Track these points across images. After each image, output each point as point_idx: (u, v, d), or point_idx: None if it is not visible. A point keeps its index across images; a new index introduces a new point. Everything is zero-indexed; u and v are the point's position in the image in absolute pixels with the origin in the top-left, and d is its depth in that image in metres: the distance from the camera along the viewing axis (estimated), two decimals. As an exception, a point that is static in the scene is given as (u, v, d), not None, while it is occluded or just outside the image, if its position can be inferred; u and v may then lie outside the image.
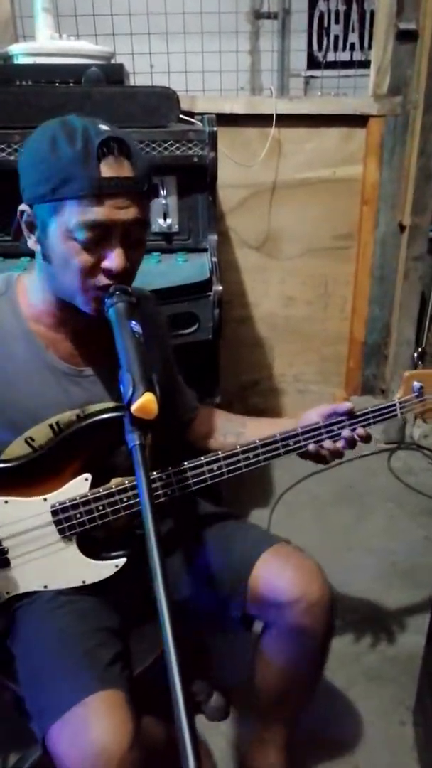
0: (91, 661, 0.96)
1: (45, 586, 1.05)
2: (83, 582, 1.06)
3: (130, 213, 0.90)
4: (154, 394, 0.79)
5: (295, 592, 1.07)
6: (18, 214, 0.96)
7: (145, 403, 0.77)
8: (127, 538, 1.10)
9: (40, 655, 0.99)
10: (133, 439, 0.76)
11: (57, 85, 1.53)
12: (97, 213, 0.88)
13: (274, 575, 1.09)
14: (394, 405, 1.14)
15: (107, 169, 0.88)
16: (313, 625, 1.09)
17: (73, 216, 0.89)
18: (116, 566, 1.06)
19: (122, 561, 1.06)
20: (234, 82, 2.83)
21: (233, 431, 1.25)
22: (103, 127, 0.90)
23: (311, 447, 1.11)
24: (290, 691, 1.19)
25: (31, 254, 1.18)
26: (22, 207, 0.95)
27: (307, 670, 1.19)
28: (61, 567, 1.05)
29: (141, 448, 0.76)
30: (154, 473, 1.07)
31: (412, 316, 2.47)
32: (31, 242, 0.97)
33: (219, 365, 1.71)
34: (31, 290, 1.02)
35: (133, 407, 0.77)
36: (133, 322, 0.88)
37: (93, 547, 1.07)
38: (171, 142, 1.50)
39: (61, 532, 1.04)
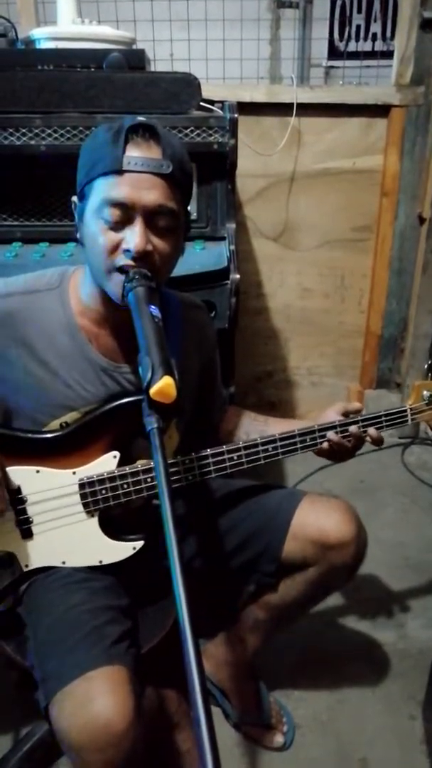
0: (100, 636, 0.98)
1: (63, 562, 1.08)
2: (100, 561, 1.08)
3: (152, 195, 0.92)
4: (172, 377, 0.78)
5: (345, 535, 1.15)
6: (72, 207, 1.02)
7: (164, 387, 0.77)
8: (144, 521, 1.12)
9: (51, 627, 1.02)
10: (151, 422, 0.76)
11: (78, 69, 1.53)
12: (120, 190, 0.92)
13: (323, 516, 1.17)
14: (405, 410, 1.19)
15: (133, 149, 0.92)
16: (353, 564, 1.18)
17: (99, 193, 0.93)
18: (134, 548, 1.08)
19: (140, 544, 1.08)
20: (254, 71, 2.80)
21: (256, 430, 1.28)
22: (140, 118, 0.95)
23: (325, 444, 1.14)
24: (297, 612, 1.30)
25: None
26: (73, 198, 1.01)
27: (324, 596, 1.31)
28: (80, 544, 1.08)
29: (159, 432, 0.76)
30: (178, 457, 1.10)
31: (430, 309, 2.44)
32: (79, 233, 1.01)
33: (234, 355, 1.71)
34: (81, 285, 1.06)
35: (152, 391, 0.77)
36: (153, 307, 0.88)
37: (112, 527, 1.09)
38: (192, 128, 1.49)
39: (85, 506, 1.06)
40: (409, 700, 1.49)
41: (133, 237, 0.92)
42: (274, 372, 2.60)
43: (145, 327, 0.85)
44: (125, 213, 0.93)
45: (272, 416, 1.32)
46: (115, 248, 0.94)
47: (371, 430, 1.15)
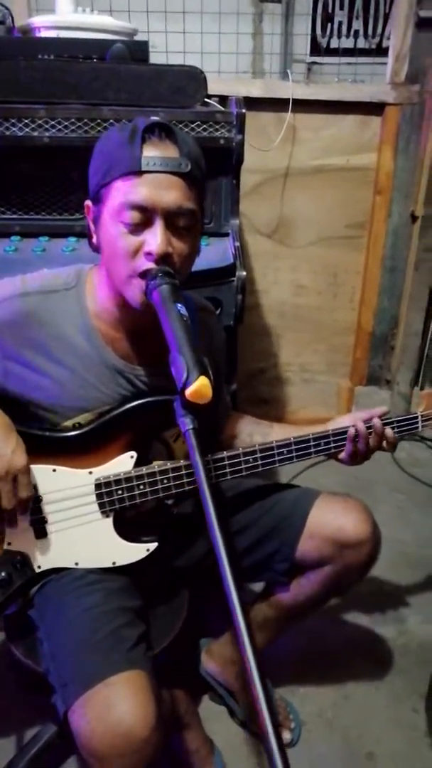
0: (117, 640, 0.97)
1: (76, 563, 1.06)
2: (113, 563, 1.07)
3: (171, 196, 0.92)
4: (208, 378, 0.77)
5: (362, 533, 1.15)
6: (86, 212, 1.02)
7: (200, 387, 0.76)
8: (157, 522, 1.10)
9: (67, 630, 1.00)
10: (186, 423, 0.76)
11: (81, 60, 1.49)
12: (139, 191, 0.91)
13: (340, 515, 1.17)
14: (416, 417, 1.21)
15: (151, 149, 0.91)
16: (368, 563, 1.19)
17: (118, 196, 0.92)
18: (147, 550, 1.07)
19: (154, 545, 1.08)
20: (235, 65, 2.78)
21: (260, 432, 1.28)
22: (154, 117, 0.95)
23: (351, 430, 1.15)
24: (307, 611, 1.29)
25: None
26: (87, 202, 1.00)
27: (335, 596, 1.31)
28: (94, 545, 1.06)
29: (194, 432, 0.75)
30: None
31: (421, 306, 2.47)
32: (94, 238, 1.00)
33: (237, 352, 1.70)
34: (97, 286, 1.04)
35: (188, 391, 0.76)
36: (179, 305, 0.87)
37: (125, 528, 1.08)
38: (198, 123, 1.47)
39: (101, 506, 1.05)
40: (413, 694, 1.51)
41: (154, 239, 0.92)
42: (267, 368, 2.60)
43: (175, 326, 0.84)
44: (145, 215, 0.92)
45: (266, 414, 1.32)
46: (135, 252, 0.93)
47: (388, 430, 1.16)
